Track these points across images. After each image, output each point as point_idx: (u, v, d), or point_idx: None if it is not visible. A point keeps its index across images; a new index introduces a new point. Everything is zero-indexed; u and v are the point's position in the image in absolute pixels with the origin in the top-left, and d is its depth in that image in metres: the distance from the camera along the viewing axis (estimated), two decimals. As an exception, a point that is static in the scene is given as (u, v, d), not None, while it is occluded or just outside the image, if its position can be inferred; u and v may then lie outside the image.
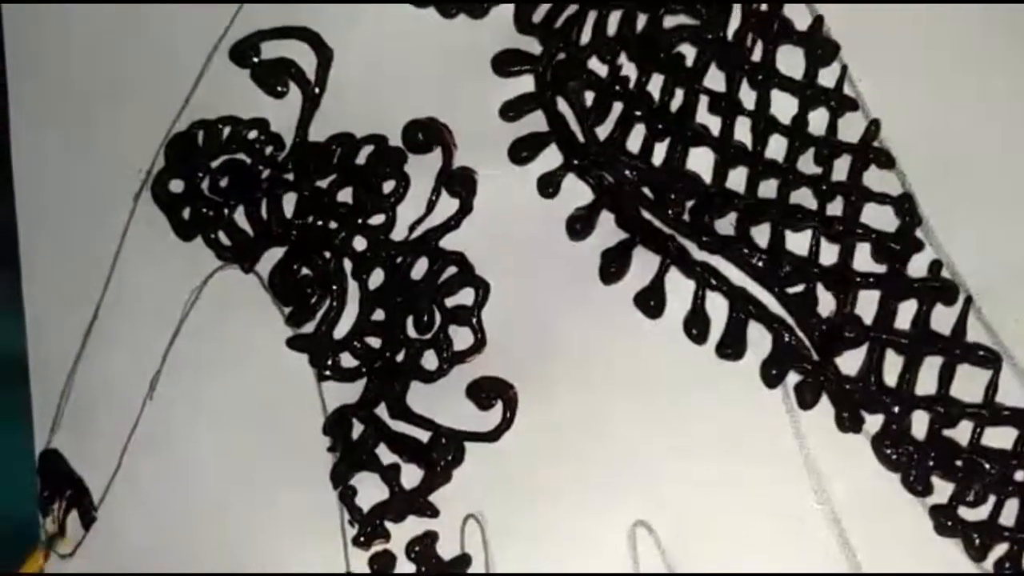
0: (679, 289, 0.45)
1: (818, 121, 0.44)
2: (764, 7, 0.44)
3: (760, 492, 0.44)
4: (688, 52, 0.45)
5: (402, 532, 0.47)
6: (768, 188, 0.44)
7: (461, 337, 0.47)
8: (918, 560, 0.42)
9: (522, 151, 0.46)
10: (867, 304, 0.43)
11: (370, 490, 0.47)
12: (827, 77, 0.44)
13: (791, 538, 0.43)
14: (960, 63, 0.44)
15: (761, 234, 0.44)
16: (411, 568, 0.46)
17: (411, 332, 0.47)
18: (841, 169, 0.44)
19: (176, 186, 0.50)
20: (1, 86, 0.52)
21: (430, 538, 0.46)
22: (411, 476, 0.47)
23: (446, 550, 0.46)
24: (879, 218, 0.43)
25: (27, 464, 0.51)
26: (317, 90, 0.49)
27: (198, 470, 0.49)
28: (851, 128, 0.44)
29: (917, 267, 0.43)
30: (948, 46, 0.44)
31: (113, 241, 0.51)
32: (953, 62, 0.44)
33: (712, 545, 0.44)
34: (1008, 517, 0.42)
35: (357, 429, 0.47)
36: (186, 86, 0.50)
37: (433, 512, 0.46)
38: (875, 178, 0.43)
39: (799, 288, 0.44)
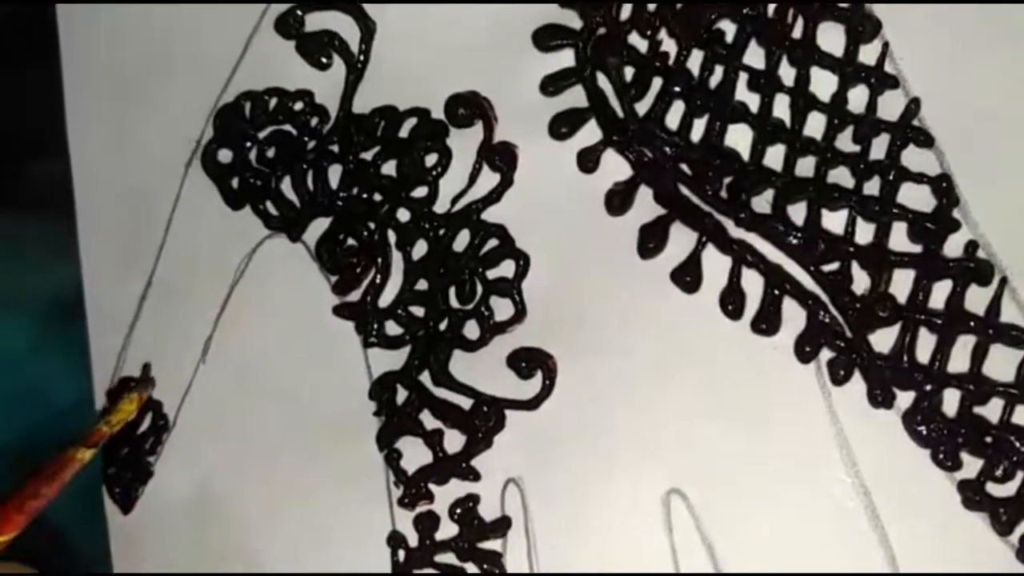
0: (716, 265, 0.45)
1: (858, 99, 0.44)
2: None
3: (791, 463, 0.44)
4: (728, 28, 0.45)
5: (445, 495, 0.48)
6: (806, 166, 0.44)
7: (502, 308, 0.48)
8: (945, 533, 0.43)
9: (562, 126, 0.47)
10: (902, 283, 0.43)
11: (415, 454, 0.48)
12: (868, 54, 0.44)
13: (821, 508, 0.44)
14: (1001, 41, 0.43)
15: (798, 212, 0.44)
16: (453, 529, 0.48)
17: (453, 302, 0.48)
18: (879, 148, 0.43)
19: (224, 156, 0.51)
20: (54, 58, 0.53)
21: (472, 501, 0.48)
22: (454, 441, 0.48)
23: (487, 512, 0.48)
24: (916, 198, 0.43)
25: (86, 390, 0.53)
26: (360, 62, 0.49)
27: (247, 431, 0.51)
28: (891, 106, 0.44)
29: (953, 246, 0.43)
30: (988, 22, 0.43)
31: (166, 209, 0.52)
32: (993, 40, 0.43)
33: (744, 512, 0.45)
34: (1035, 493, 0.42)
35: (402, 395, 0.49)
36: (233, 57, 0.51)
37: (475, 476, 0.48)
38: (913, 157, 0.43)
39: (834, 266, 0.44)
